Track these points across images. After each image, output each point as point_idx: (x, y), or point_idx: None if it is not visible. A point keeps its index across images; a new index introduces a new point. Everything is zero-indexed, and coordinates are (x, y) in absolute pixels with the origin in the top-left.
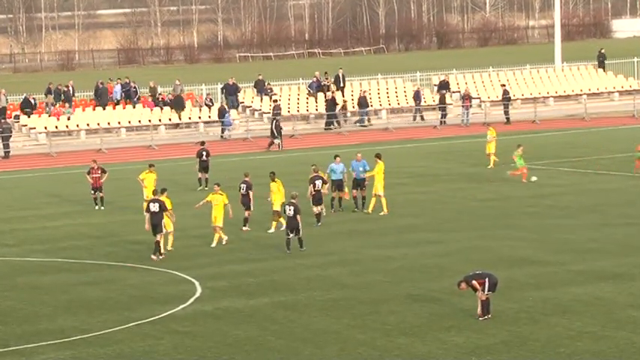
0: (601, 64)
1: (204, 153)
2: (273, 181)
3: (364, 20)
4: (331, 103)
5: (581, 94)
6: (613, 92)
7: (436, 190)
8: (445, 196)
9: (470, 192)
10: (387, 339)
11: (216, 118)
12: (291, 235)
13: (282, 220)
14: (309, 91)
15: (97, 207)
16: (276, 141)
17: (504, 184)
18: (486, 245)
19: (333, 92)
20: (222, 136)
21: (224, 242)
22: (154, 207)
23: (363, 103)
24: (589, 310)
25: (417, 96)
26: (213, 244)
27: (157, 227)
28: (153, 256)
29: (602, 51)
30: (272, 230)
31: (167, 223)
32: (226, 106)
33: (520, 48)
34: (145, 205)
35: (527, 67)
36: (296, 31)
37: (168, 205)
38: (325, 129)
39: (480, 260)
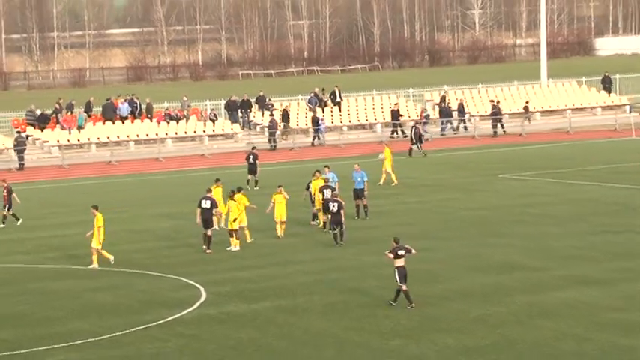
0: (606, 89)
1: (252, 156)
2: (232, 199)
3: (360, 39)
4: (395, 114)
5: (565, 109)
6: (596, 107)
7: (429, 199)
8: (437, 206)
9: (460, 202)
10: (382, 341)
11: (220, 132)
12: (337, 229)
13: (235, 241)
14: (309, 106)
15: (2, 225)
16: (414, 147)
17: (493, 194)
18: (476, 252)
19: (331, 107)
20: (312, 144)
21: (92, 266)
22: (205, 204)
23: (460, 109)
24: (573, 313)
25: (461, 108)
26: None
27: (207, 222)
28: (207, 250)
29: (607, 74)
30: (237, 248)
31: (242, 218)
32: (319, 115)
33: (508, 65)
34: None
35: (514, 83)
36: (295, 50)
37: (246, 202)
38: (390, 137)
39: (469, 266)
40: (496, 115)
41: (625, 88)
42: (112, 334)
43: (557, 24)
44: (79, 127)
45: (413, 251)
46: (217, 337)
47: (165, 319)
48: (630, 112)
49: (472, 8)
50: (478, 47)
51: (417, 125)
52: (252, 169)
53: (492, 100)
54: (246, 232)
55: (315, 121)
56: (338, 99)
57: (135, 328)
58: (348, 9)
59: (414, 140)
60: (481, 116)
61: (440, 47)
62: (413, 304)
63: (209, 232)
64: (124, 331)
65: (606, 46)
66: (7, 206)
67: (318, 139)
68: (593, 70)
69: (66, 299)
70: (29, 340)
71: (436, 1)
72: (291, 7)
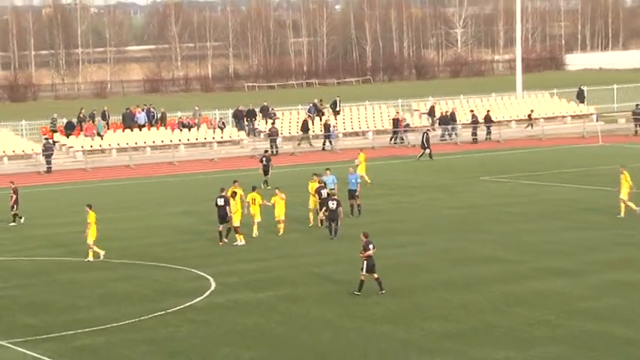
0: (581, 101)
1: (264, 159)
2: (233, 198)
3: (354, 55)
4: (395, 122)
5: (538, 118)
6: (566, 116)
7: (417, 199)
8: (424, 205)
9: (445, 201)
10: (373, 326)
11: (228, 139)
12: (333, 224)
13: (242, 238)
14: (308, 115)
15: (14, 223)
16: (426, 151)
17: (474, 195)
18: (458, 246)
19: (327, 116)
20: (323, 148)
21: (87, 259)
22: (220, 201)
23: (451, 118)
24: (546, 301)
25: (452, 116)
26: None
27: (222, 218)
28: (220, 242)
29: (582, 87)
30: (242, 243)
31: (256, 214)
32: (330, 122)
33: (487, 79)
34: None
35: (492, 95)
36: (296, 65)
37: (260, 200)
38: (392, 143)
39: (452, 259)
40: (476, 123)
41: (592, 99)
42: (131, 320)
43: (531, 41)
44: (98, 134)
45: (374, 249)
46: (225, 323)
47: (179, 307)
48: (597, 120)
49: (455, 27)
50: (460, 62)
51: (428, 132)
52: (265, 170)
53: (472, 110)
54: (255, 227)
55: (327, 127)
56: (338, 108)
57: (151, 315)
58: (343, 28)
59: (426, 145)
60: (463, 124)
61: (425, 62)
62: (359, 293)
63: (221, 228)
64: (141, 318)
65: (575, 61)
66: (15, 206)
67: (330, 143)
68: (564, 83)
69: (89, 289)
70: (57, 326)
71: (422, 21)
72: (292, 26)
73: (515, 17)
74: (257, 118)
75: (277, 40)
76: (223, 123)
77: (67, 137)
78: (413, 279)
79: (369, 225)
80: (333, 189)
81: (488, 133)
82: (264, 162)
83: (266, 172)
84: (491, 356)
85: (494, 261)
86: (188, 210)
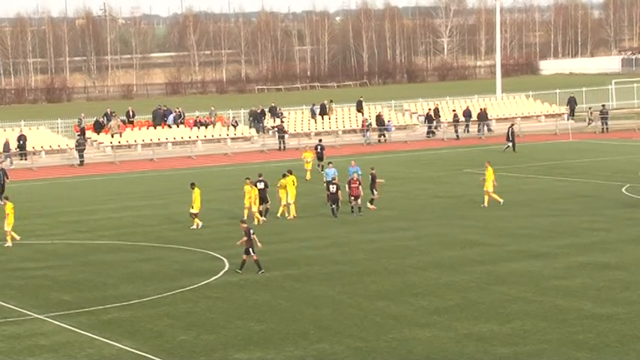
0: (572, 108)
1: (319, 147)
2: (193, 188)
3: (352, 61)
4: (430, 118)
5: (516, 117)
6: (540, 116)
7: (406, 189)
8: (413, 194)
9: (431, 191)
10: (369, 302)
11: (240, 135)
12: (334, 206)
13: (198, 221)
14: (316, 112)
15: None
16: (509, 143)
17: (458, 185)
18: (444, 231)
19: (329, 116)
20: (383, 139)
21: (6, 245)
22: (260, 185)
23: (482, 116)
24: (522, 280)
25: (467, 113)
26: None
27: (262, 199)
28: (262, 219)
29: (573, 96)
30: (194, 227)
31: (292, 194)
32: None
33: (470, 82)
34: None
35: (475, 96)
36: (300, 70)
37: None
38: (427, 136)
39: (439, 242)
40: (457, 122)
41: (564, 100)
42: (154, 297)
43: (509, 49)
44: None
45: (254, 235)
46: (238, 299)
47: (196, 285)
48: (568, 119)
49: (441, 36)
50: (446, 67)
51: (512, 126)
52: (319, 157)
53: (454, 110)
54: (281, 208)
55: (381, 122)
56: (361, 107)
57: (172, 292)
58: (343, 37)
59: (510, 138)
60: (448, 122)
61: (416, 67)
62: (240, 271)
63: (267, 206)
64: (163, 294)
65: (548, 66)
66: None
67: (384, 136)
68: (539, 86)
69: (117, 269)
70: (88, 301)
71: (413, 31)
72: (297, 36)
73: (495, 27)
74: (266, 117)
75: (284, 47)
76: (236, 121)
77: (98, 134)
78: (405, 260)
79: (366, 212)
80: (357, 178)
81: (456, 131)
82: (318, 150)
83: (320, 159)
84: (474, 329)
85: (476, 244)
86: (205, 199)
